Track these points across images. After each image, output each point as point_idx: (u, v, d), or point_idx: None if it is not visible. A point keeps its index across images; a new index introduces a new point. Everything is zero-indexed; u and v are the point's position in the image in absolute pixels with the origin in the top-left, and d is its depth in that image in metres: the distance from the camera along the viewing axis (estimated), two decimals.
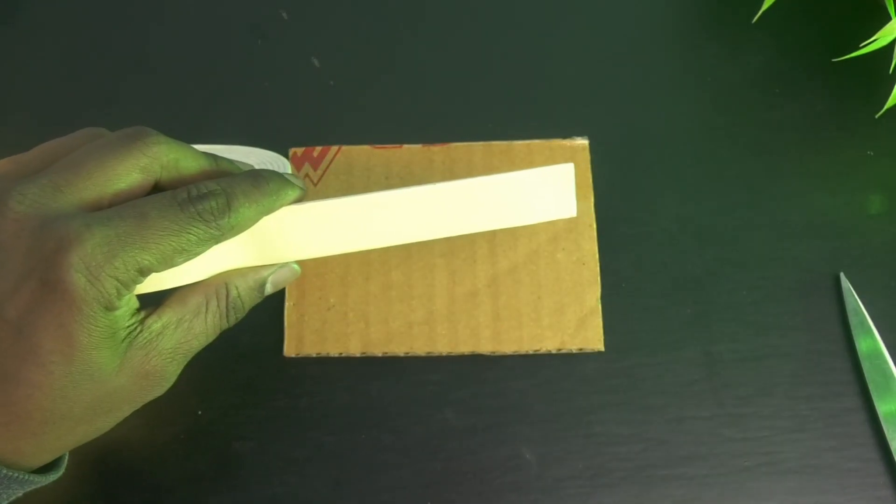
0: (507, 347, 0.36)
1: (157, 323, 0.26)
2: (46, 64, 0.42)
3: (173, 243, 0.24)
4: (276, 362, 0.36)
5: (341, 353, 0.36)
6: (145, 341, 0.25)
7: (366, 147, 0.39)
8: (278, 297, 0.36)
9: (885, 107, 0.37)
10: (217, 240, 0.26)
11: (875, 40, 0.35)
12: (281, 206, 0.27)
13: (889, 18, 0.35)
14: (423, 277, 0.37)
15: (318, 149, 0.39)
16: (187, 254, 0.25)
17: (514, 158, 0.38)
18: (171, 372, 0.27)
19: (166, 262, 0.25)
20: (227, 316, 0.28)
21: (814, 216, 0.38)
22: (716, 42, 0.42)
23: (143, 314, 0.26)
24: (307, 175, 0.38)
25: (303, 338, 0.36)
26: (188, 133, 0.42)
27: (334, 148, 0.39)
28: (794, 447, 0.35)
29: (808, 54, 0.41)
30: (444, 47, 0.42)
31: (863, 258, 0.37)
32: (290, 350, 0.36)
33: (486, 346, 0.36)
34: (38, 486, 0.26)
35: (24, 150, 0.26)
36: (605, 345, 0.36)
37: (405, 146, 0.39)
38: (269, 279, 0.29)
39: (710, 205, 0.38)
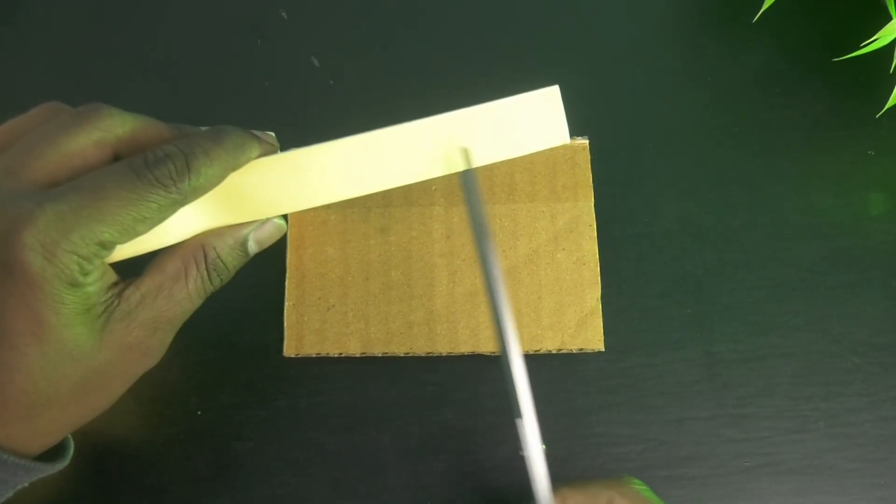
0: None
1: (135, 294, 0.25)
2: (46, 64, 0.42)
3: (133, 213, 0.24)
4: (276, 362, 0.36)
5: (341, 353, 0.36)
6: (124, 314, 0.25)
7: None
8: (278, 297, 0.36)
9: (886, 107, 0.37)
10: (181, 203, 0.25)
11: (875, 40, 0.35)
12: (247, 160, 0.27)
13: (889, 18, 0.35)
14: (423, 277, 0.36)
15: None
16: (150, 221, 0.24)
17: (513, 158, 0.38)
18: (156, 342, 0.26)
19: (128, 233, 0.24)
20: (210, 279, 0.27)
21: (814, 216, 0.38)
22: (716, 42, 0.42)
23: (120, 286, 0.25)
24: None
25: (303, 338, 0.36)
26: None
27: None
28: (794, 448, 0.35)
29: (808, 54, 0.41)
30: (444, 47, 0.42)
31: (863, 258, 0.37)
32: (289, 350, 0.36)
33: (486, 346, 0.36)
34: (44, 474, 0.26)
35: None
36: (606, 345, 0.36)
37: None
38: (252, 237, 0.28)
39: (710, 205, 0.38)
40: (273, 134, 0.29)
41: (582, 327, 0.36)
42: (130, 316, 0.25)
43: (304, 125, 0.40)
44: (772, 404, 0.35)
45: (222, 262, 0.27)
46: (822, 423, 0.35)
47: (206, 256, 0.27)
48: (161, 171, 0.24)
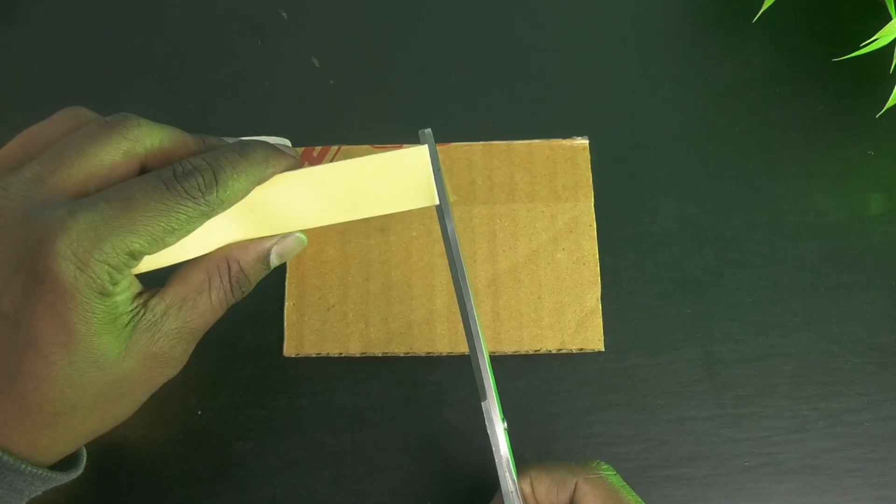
0: (508, 347, 0.36)
1: (160, 304, 0.25)
2: (46, 64, 0.42)
3: (162, 223, 0.24)
4: (276, 362, 0.36)
5: (341, 353, 0.36)
6: (149, 324, 0.25)
7: (366, 147, 0.39)
8: (278, 297, 0.36)
9: (886, 107, 0.37)
10: (208, 215, 0.25)
11: (875, 40, 0.35)
12: (272, 174, 0.27)
13: (889, 18, 0.35)
14: (423, 277, 0.36)
15: (318, 148, 0.39)
16: (178, 233, 0.25)
17: (514, 158, 0.38)
18: (179, 352, 0.26)
19: (157, 243, 0.24)
20: (233, 291, 0.27)
21: (814, 216, 0.38)
22: (716, 42, 0.42)
23: (145, 296, 0.25)
24: None
25: (303, 338, 0.36)
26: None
27: (334, 148, 0.39)
28: (794, 448, 0.35)
29: (808, 54, 0.41)
30: (445, 47, 0.42)
31: (863, 258, 0.37)
32: (290, 350, 0.36)
33: (486, 346, 0.35)
34: (58, 483, 0.26)
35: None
36: (605, 345, 0.36)
37: (405, 146, 0.39)
38: (274, 250, 0.28)
39: (710, 205, 0.38)
40: (290, 143, 0.29)
41: (582, 327, 0.36)
42: (155, 326, 0.25)
43: (304, 125, 0.40)
44: (772, 404, 0.35)
45: (245, 274, 0.28)
46: (822, 423, 0.35)
47: (229, 269, 0.27)
48: (190, 182, 0.24)
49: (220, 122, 0.40)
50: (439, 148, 0.38)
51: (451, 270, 0.27)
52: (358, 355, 0.36)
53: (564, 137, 0.38)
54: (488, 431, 0.26)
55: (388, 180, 0.27)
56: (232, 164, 0.26)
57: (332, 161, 0.38)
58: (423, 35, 0.42)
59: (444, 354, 0.36)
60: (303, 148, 0.39)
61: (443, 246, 0.37)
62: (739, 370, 0.36)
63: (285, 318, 0.36)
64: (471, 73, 0.41)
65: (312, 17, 0.43)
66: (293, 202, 0.27)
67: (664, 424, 0.35)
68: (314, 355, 0.36)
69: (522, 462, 0.35)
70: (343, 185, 0.27)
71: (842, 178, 0.39)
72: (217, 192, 0.25)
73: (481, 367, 0.26)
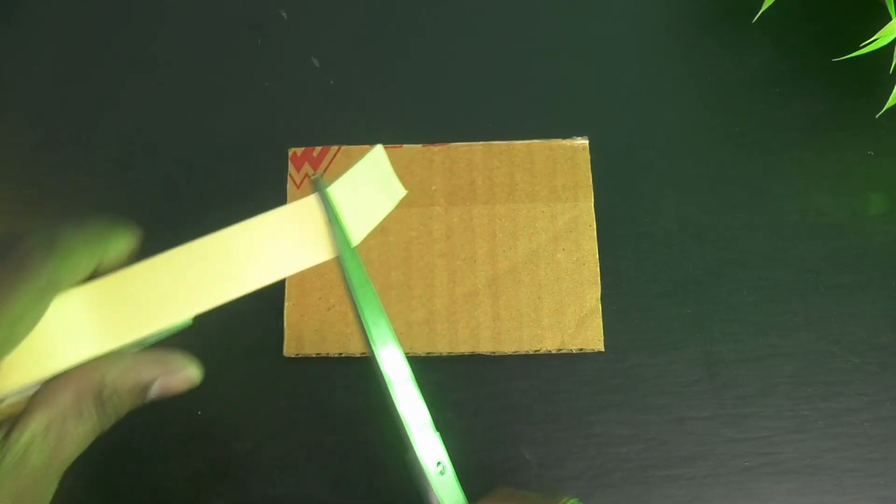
0: (507, 347, 0.36)
1: (22, 437, 0.21)
2: (46, 64, 0.42)
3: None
4: (276, 362, 0.36)
5: (341, 353, 0.36)
6: (12, 465, 0.21)
7: (366, 147, 0.38)
8: (278, 297, 0.36)
9: (886, 107, 0.37)
10: (48, 291, 0.21)
11: (875, 40, 0.35)
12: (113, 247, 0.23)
13: (889, 18, 0.35)
14: (423, 277, 0.36)
15: (318, 149, 0.39)
16: (24, 320, 0.20)
17: (514, 158, 0.38)
18: (45, 487, 0.22)
19: (7, 342, 0.20)
20: (102, 422, 0.23)
21: (814, 216, 0.38)
22: (716, 42, 0.41)
23: (3, 429, 0.21)
24: (307, 175, 0.38)
25: (303, 338, 0.36)
26: (188, 133, 0.42)
27: (334, 148, 0.39)
28: (794, 448, 0.35)
29: (808, 54, 0.41)
30: (445, 47, 0.42)
31: (863, 258, 0.37)
32: (289, 350, 0.36)
33: (486, 347, 0.36)
34: None
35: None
36: (605, 345, 0.36)
37: (405, 146, 0.39)
38: (157, 384, 0.24)
39: (710, 205, 0.38)
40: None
41: (582, 327, 0.36)
42: (20, 465, 0.21)
43: (304, 125, 0.40)
44: (772, 404, 0.35)
45: (119, 401, 0.23)
46: (822, 423, 0.35)
47: (101, 394, 0.23)
48: (21, 252, 0.20)
49: (221, 121, 0.41)
50: (440, 148, 0.38)
51: (358, 323, 0.25)
52: (358, 355, 0.36)
53: (564, 137, 0.38)
54: (418, 487, 0.24)
55: (277, 241, 0.24)
56: (70, 232, 0.22)
57: (331, 161, 0.38)
58: (423, 35, 0.42)
59: (444, 354, 0.36)
60: (303, 148, 0.39)
61: (443, 245, 0.37)
62: (739, 370, 0.36)
63: (285, 318, 0.36)
64: (471, 73, 0.41)
65: (312, 17, 0.43)
66: (168, 289, 0.23)
67: (664, 424, 0.35)
68: (314, 355, 0.36)
69: (522, 461, 0.35)
70: (223, 259, 0.24)
71: (842, 178, 0.39)
72: (53, 261, 0.21)
73: (403, 418, 0.23)
